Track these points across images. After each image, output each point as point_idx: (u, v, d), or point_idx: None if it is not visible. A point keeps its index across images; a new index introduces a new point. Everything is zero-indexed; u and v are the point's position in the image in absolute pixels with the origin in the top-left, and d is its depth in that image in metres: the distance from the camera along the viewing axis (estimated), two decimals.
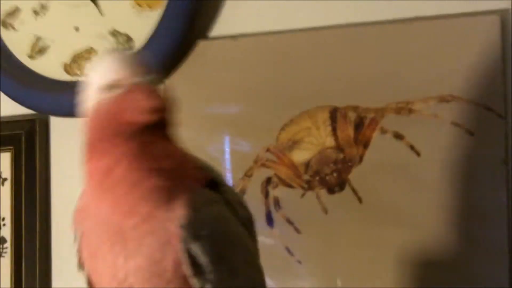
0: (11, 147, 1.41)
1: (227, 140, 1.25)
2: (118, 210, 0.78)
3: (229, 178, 1.24)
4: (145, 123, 0.77)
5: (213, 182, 0.82)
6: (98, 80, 0.80)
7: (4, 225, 1.41)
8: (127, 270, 0.78)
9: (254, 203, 1.21)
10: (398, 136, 1.16)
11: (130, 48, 0.80)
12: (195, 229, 0.77)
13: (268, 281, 1.18)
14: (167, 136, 0.80)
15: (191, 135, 1.26)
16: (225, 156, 1.25)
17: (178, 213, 0.76)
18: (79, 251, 0.85)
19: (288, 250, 1.21)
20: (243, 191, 1.23)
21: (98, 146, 0.80)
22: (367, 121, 1.18)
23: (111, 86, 0.78)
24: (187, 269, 0.77)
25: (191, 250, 0.76)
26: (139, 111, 0.76)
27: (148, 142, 0.77)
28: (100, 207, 0.79)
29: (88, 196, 0.82)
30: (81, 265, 0.85)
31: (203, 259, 0.77)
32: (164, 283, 0.77)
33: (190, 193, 0.78)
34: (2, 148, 1.42)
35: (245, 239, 0.83)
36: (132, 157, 0.76)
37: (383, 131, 1.17)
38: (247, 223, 0.85)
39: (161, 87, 0.80)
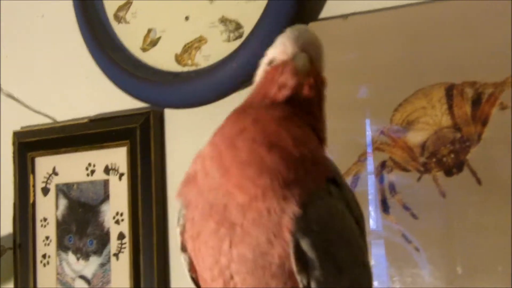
0: (127, 141, 1.57)
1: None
2: (230, 180, 0.80)
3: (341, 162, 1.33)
4: (283, 99, 0.83)
5: (333, 177, 0.86)
6: (268, 54, 0.89)
7: (122, 220, 1.58)
8: (231, 258, 0.81)
9: (369, 189, 1.31)
10: None
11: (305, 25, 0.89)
12: (308, 223, 0.79)
13: (386, 270, 1.29)
14: (311, 121, 0.86)
15: None
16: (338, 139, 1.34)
17: (292, 206, 0.79)
18: (182, 230, 0.88)
19: (405, 237, 1.28)
20: (356, 176, 1.32)
21: (241, 111, 0.85)
22: (485, 97, 1.24)
23: (270, 61, 0.87)
24: (294, 265, 0.79)
25: (301, 245, 0.79)
26: (279, 86, 0.83)
27: (288, 117, 0.82)
28: (212, 174, 0.82)
29: (203, 160, 0.84)
30: (183, 246, 0.88)
31: (311, 254, 0.79)
32: (268, 277, 0.80)
33: (309, 185, 0.81)
34: (118, 142, 1.58)
35: (357, 237, 0.86)
36: (267, 123, 0.81)
37: (503, 107, 1.22)
38: (360, 221, 0.88)
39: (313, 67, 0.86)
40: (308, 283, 0.80)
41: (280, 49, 0.86)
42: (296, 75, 0.83)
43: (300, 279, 0.80)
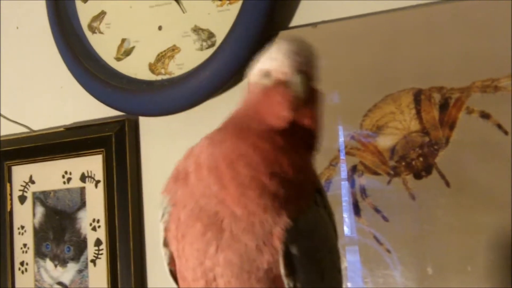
0: (102, 149, 1.55)
1: None
2: (227, 195, 0.80)
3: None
4: (279, 127, 0.82)
5: (317, 187, 0.87)
6: (260, 63, 0.86)
7: (99, 227, 1.56)
8: (216, 261, 0.81)
9: (340, 192, 1.30)
10: (485, 115, 1.21)
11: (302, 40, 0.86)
12: (298, 231, 0.80)
13: (359, 271, 1.28)
14: (310, 144, 0.86)
15: None
16: None
17: (285, 218, 0.80)
18: (167, 226, 0.86)
19: (376, 239, 1.28)
20: (328, 181, 1.32)
21: (242, 127, 0.83)
22: (452, 102, 1.24)
23: (265, 74, 0.85)
24: (282, 269, 0.80)
25: (290, 251, 0.80)
26: (274, 114, 0.82)
27: (288, 144, 0.81)
28: (207, 182, 0.82)
29: (197, 160, 0.84)
30: (165, 241, 0.88)
31: (299, 259, 0.80)
32: (254, 281, 0.80)
33: (302, 202, 0.82)
34: (93, 150, 1.57)
35: (336, 243, 0.88)
36: (269, 153, 0.80)
37: (469, 111, 1.23)
38: (334, 224, 0.90)
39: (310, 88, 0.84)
40: (294, 286, 0.81)
41: (276, 64, 0.84)
42: (294, 108, 0.82)
43: (287, 283, 0.81)
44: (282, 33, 1.38)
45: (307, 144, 0.86)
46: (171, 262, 0.88)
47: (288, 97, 0.82)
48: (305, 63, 0.84)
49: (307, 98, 0.83)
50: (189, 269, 0.84)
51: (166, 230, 0.87)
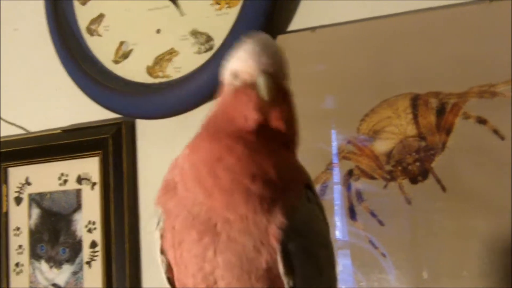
0: (99, 151, 1.54)
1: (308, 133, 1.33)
2: (216, 201, 0.80)
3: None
4: (251, 129, 0.81)
5: (307, 183, 0.87)
6: (230, 63, 0.86)
7: (94, 229, 1.54)
8: (216, 264, 0.81)
9: (337, 196, 1.29)
10: (482, 121, 1.20)
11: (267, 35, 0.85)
12: (294, 229, 0.81)
13: (354, 274, 1.27)
14: (287, 142, 0.85)
15: None
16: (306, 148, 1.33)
17: (279, 216, 0.80)
18: (162, 234, 0.86)
19: (372, 243, 1.27)
20: (325, 184, 1.31)
21: (215, 131, 0.83)
22: (449, 107, 1.23)
23: (234, 74, 0.84)
24: (281, 268, 0.80)
25: (288, 249, 0.80)
26: (242, 115, 0.81)
27: (262, 145, 0.81)
28: (194, 191, 0.82)
29: (183, 174, 0.84)
30: (162, 249, 0.87)
31: (297, 257, 0.81)
32: (254, 280, 0.80)
33: (292, 198, 0.82)
34: (90, 153, 1.55)
35: (330, 239, 0.88)
36: (244, 156, 0.80)
37: (466, 116, 1.22)
38: (327, 222, 0.90)
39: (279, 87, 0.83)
40: (294, 284, 0.81)
41: (242, 65, 0.83)
42: (259, 108, 0.81)
43: (287, 281, 0.81)
44: (280, 37, 1.37)
45: (283, 143, 0.84)
46: (169, 270, 0.88)
47: (253, 98, 0.82)
48: (271, 64, 0.83)
49: (274, 99, 0.82)
50: (189, 275, 0.84)
51: (162, 238, 0.87)
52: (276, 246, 0.80)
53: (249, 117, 0.81)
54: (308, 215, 0.84)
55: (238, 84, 0.84)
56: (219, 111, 0.86)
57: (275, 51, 0.85)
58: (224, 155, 0.80)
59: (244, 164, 0.80)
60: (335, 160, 1.31)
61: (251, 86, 0.82)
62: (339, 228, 1.30)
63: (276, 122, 0.82)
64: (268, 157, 0.81)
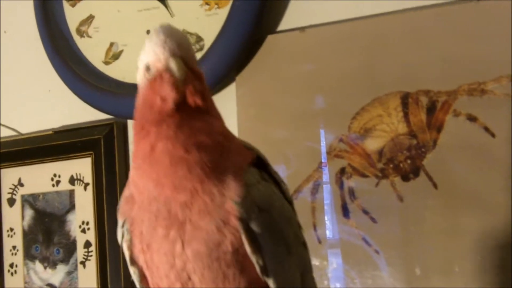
0: (91, 152, 1.53)
1: (300, 131, 1.33)
2: (165, 187, 0.81)
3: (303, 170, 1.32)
4: (171, 109, 0.80)
5: (260, 161, 0.87)
6: (140, 61, 0.86)
7: (88, 229, 1.54)
8: (186, 258, 0.81)
9: (329, 195, 1.29)
10: (472, 118, 1.21)
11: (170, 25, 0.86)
12: (253, 206, 0.81)
13: (348, 272, 1.27)
14: (207, 112, 0.84)
15: (263, 129, 1.35)
16: (297, 147, 1.33)
17: (231, 190, 0.81)
18: (131, 245, 0.86)
19: (365, 240, 1.27)
20: (317, 183, 1.30)
21: (140, 128, 0.84)
22: (439, 105, 1.23)
23: (146, 68, 0.84)
24: (247, 247, 0.80)
25: (251, 227, 0.80)
26: (162, 99, 0.81)
27: (185, 120, 0.81)
28: (147, 188, 0.82)
29: (134, 182, 0.85)
30: (133, 261, 0.87)
31: (262, 234, 0.81)
32: (224, 267, 0.81)
33: (240, 169, 0.82)
34: (83, 153, 1.54)
35: (294, 216, 0.89)
36: (171, 133, 0.80)
37: (456, 114, 1.22)
38: (292, 203, 0.91)
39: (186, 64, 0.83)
40: (264, 264, 0.81)
41: (151, 56, 0.83)
42: (175, 87, 0.81)
43: (256, 260, 0.81)
44: (270, 37, 1.37)
45: (203, 114, 0.84)
46: (142, 279, 0.88)
47: (167, 79, 0.81)
48: (178, 47, 0.83)
49: (186, 78, 0.82)
50: (163, 276, 0.84)
51: (130, 248, 0.87)
52: (237, 224, 0.80)
53: (167, 97, 0.81)
54: (265, 191, 0.84)
55: (151, 76, 0.84)
56: (139, 105, 0.86)
57: (180, 36, 0.85)
58: (155, 141, 0.80)
59: (173, 140, 0.80)
60: (323, 159, 1.31)
61: (163, 71, 0.82)
62: (329, 227, 1.29)
63: (192, 97, 0.82)
64: (194, 126, 0.81)
